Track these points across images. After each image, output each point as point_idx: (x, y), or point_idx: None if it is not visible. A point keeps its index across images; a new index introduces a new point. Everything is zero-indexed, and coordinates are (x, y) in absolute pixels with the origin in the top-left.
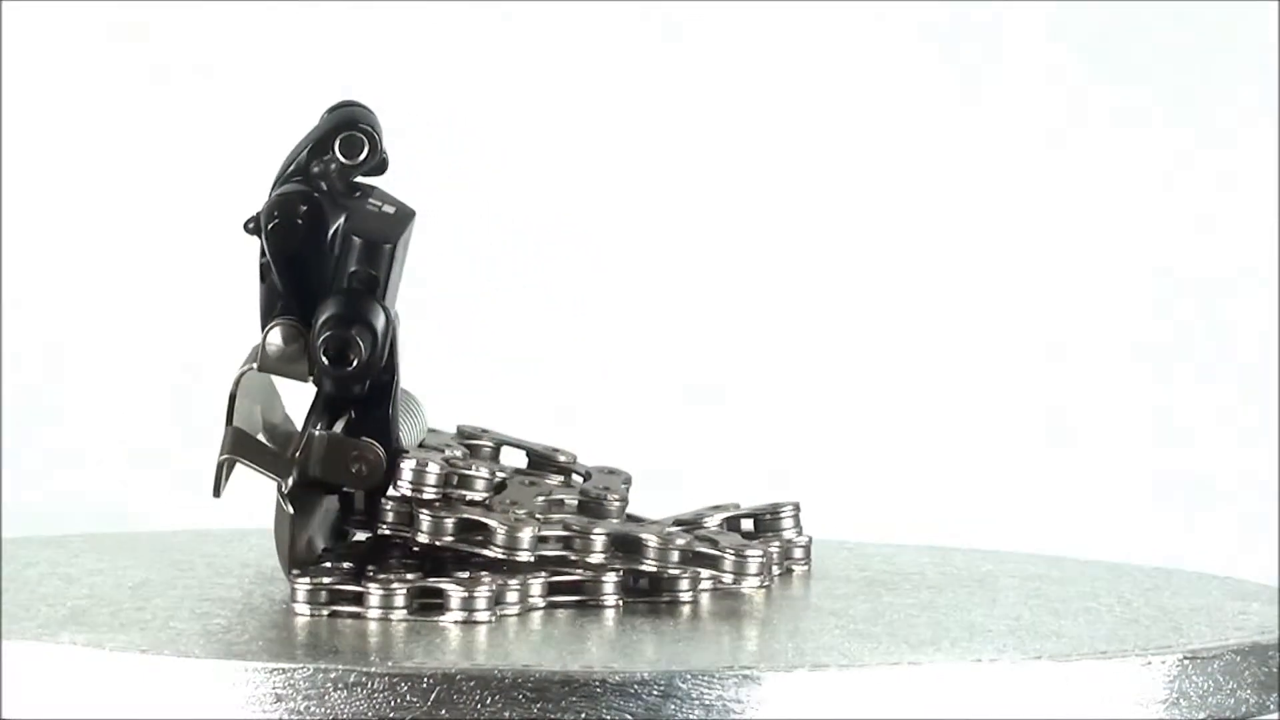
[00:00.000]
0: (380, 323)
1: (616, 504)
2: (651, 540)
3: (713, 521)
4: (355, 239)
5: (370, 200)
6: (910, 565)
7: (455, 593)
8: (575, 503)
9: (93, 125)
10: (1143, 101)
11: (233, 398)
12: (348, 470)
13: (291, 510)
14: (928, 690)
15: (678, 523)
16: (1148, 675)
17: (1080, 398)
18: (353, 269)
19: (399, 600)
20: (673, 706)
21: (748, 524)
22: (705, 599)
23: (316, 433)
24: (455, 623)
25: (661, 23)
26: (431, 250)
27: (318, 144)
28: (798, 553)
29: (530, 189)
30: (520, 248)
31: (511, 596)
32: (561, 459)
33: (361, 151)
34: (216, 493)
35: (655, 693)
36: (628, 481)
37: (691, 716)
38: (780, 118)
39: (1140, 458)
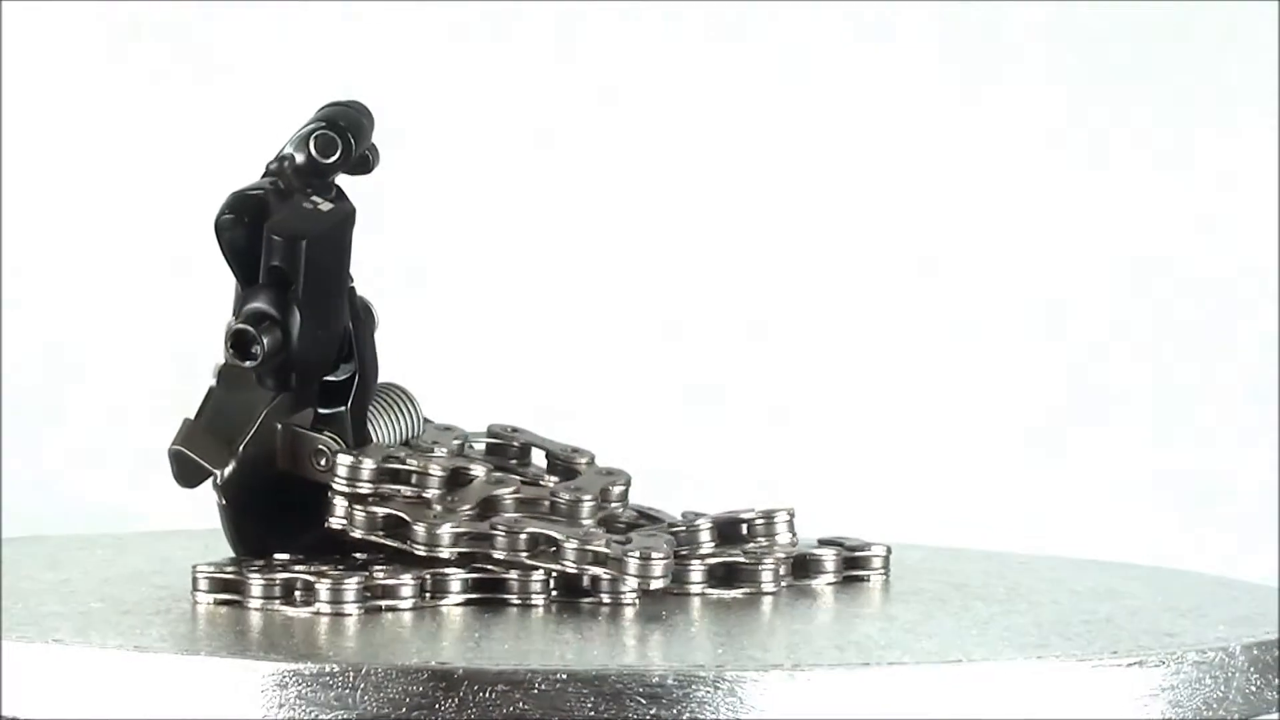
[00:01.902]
0: (292, 319)
1: (589, 505)
2: (569, 541)
3: (704, 525)
4: (275, 236)
5: (312, 198)
6: (977, 578)
7: (322, 586)
8: (547, 503)
9: (92, 125)
10: (1143, 101)
11: (210, 391)
12: (309, 463)
13: (223, 501)
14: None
15: (672, 526)
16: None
17: (1079, 397)
18: (274, 264)
19: (276, 591)
20: (364, 699)
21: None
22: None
23: (279, 426)
24: (319, 615)
25: (660, 23)
26: (431, 250)
27: (293, 141)
28: (876, 561)
29: (530, 189)
30: (520, 248)
31: (406, 591)
32: (581, 460)
33: (335, 150)
34: (180, 483)
35: (345, 684)
36: (627, 482)
37: (382, 713)
38: (780, 118)
39: (1140, 458)
